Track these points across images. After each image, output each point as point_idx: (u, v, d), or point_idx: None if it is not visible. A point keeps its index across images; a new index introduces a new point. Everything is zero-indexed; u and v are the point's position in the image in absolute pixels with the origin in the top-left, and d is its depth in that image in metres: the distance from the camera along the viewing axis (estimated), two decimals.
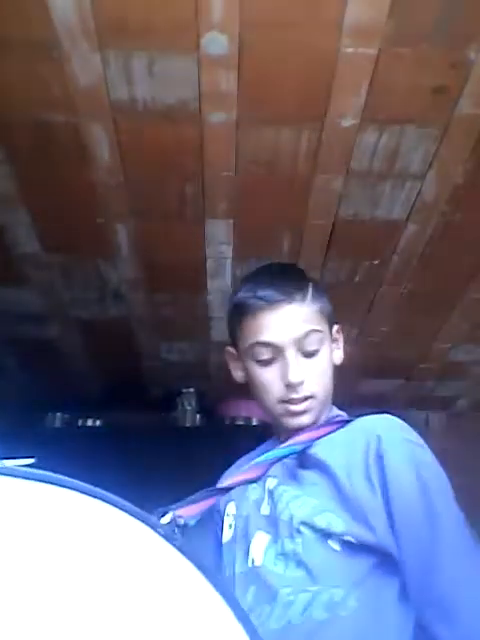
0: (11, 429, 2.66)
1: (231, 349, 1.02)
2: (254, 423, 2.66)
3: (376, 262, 1.84)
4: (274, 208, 1.60)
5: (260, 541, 0.91)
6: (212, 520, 1.03)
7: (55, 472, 0.48)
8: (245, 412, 2.71)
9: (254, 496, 0.96)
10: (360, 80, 1.22)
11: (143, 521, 0.48)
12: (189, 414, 2.79)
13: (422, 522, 0.82)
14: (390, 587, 0.82)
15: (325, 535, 0.84)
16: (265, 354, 0.93)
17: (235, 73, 1.21)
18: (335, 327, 1.03)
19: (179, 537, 0.62)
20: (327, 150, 1.40)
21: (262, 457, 0.92)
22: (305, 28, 1.13)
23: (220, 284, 1.95)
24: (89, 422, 2.82)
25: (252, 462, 0.92)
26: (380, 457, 0.85)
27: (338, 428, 0.95)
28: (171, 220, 1.65)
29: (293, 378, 0.91)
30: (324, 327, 0.97)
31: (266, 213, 1.62)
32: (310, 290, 0.96)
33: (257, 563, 0.89)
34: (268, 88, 1.25)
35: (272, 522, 0.90)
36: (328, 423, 0.97)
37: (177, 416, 2.80)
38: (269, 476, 0.94)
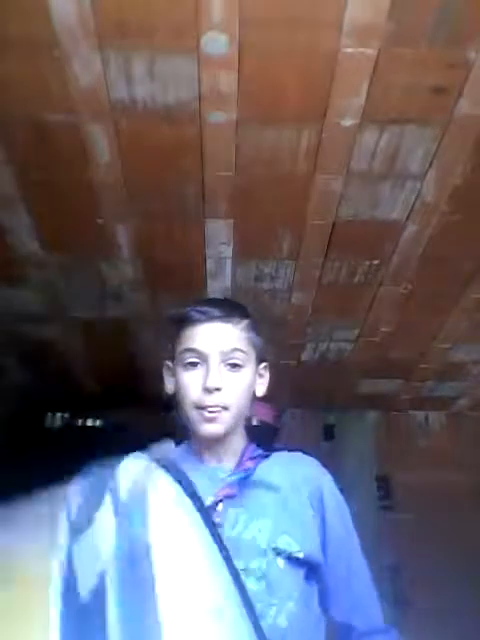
0: (11, 429, 2.67)
1: (169, 363, 1.09)
2: (254, 423, 2.66)
3: (376, 262, 1.84)
4: (274, 208, 1.60)
5: None
6: None
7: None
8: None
9: None
10: (360, 80, 1.23)
11: None
12: None
13: (344, 541, 1.06)
14: (314, 594, 1.01)
15: (278, 554, 0.96)
16: (192, 358, 1.02)
17: (235, 73, 1.21)
18: (263, 364, 1.11)
19: None
20: (327, 150, 1.40)
21: (222, 480, 1.02)
22: (305, 28, 1.13)
23: (220, 284, 1.95)
24: (89, 422, 2.83)
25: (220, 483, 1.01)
26: (321, 499, 1.05)
27: (271, 456, 1.08)
28: (171, 220, 1.65)
29: (211, 383, 0.98)
30: (250, 354, 1.06)
31: (266, 213, 1.62)
32: (246, 321, 1.07)
33: None
34: (268, 88, 1.25)
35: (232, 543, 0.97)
36: (259, 455, 1.08)
37: (177, 416, 2.80)
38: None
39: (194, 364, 1.02)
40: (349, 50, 1.16)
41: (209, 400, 1.00)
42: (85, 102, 1.27)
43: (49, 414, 2.84)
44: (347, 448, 2.88)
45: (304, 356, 2.44)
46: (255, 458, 1.06)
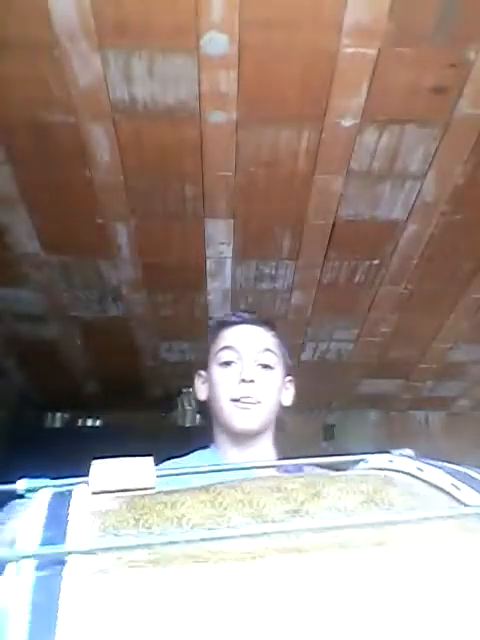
0: (11, 429, 2.67)
1: (201, 372, 1.16)
2: None
3: (376, 262, 1.84)
4: (274, 208, 1.60)
5: None
6: None
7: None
8: None
9: None
10: (360, 80, 1.23)
11: None
12: (189, 414, 2.80)
13: None
14: None
15: None
16: (228, 357, 1.09)
17: (235, 73, 1.21)
18: (289, 377, 1.16)
19: None
20: (327, 150, 1.40)
21: None
22: (305, 28, 1.13)
23: (220, 284, 1.96)
24: (89, 422, 2.83)
25: None
26: None
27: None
28: (171, 220, 1.65)
29: (246, 374, 1.05)
30: (280, 359, 1.12)
31: (266, 213, 1.62)
32: (276, 331, 1.16)
33: None
34: (268, 88, 1.25)
35: None
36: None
37: (177, 416, 2.81)
38: None
39: (229, 363, 1.09)
40: (349, 50, 1.16)
41: (244, 391, 1.04)
42: (85, 102, 1.27)
43: (49, 414, 2.84)
44: (347, 448, 2.87)
45: (304, 356, 2.44)
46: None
